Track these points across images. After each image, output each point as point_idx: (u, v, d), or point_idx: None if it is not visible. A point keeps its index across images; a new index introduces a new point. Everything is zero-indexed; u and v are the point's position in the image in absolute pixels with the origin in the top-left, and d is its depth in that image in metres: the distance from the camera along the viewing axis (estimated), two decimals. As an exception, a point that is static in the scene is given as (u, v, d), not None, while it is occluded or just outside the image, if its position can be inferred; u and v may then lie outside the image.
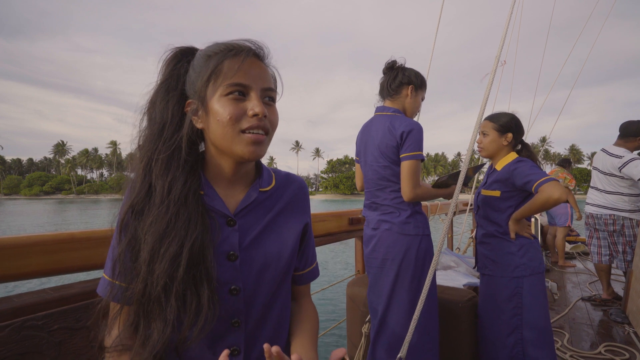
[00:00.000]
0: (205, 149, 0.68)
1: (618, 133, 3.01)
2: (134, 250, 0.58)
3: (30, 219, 28.16)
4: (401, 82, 1.62)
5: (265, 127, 0.62)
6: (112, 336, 0.60)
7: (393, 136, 1.52)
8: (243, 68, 0.60)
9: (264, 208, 0.70)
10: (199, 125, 0.63)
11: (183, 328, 0.57)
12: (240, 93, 0.60)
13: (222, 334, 0.63)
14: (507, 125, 1.73)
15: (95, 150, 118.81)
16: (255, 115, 0.59)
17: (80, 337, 0.78)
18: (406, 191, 1.51)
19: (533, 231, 1.82)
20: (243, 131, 0.60)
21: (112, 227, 0.62)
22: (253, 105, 0.60)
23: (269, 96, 0.64)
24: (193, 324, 0.57)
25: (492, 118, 1.78)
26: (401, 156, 1.52)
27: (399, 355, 1.18)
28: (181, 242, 0.57)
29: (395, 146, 1.52)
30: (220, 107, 0.59)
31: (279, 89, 0.70)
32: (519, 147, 1.82)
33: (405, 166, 1.50)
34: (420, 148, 1.51)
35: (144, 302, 0.56)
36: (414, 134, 1.50)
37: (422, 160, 1.53)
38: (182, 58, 0.66)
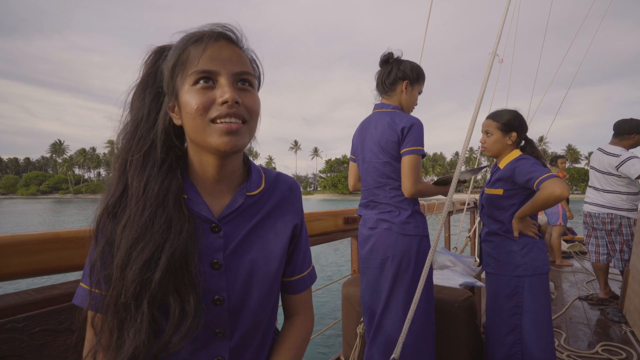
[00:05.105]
0: (188, 148, 0.64)
1: (612, 132, 3.01)
2: (109, 255, 0.55)
3: (35, 217, 28.00)
4: (396, 77, 1.58)
5: (240, 114, 0.56)
6: (89, 342, 0.58)
7: (394, 131, 1.49)
8: (208, 53, 0.55)
9: (251, 213, 0.66)
10: (178, 122, 0.60)
11: (164, 335, 0.54)
12: (207, 80, 0.55)
13: (205, 343, 0.61)
14: (511, 124, 1.70)
15: (93, 149, 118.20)
16: (224, 102, 0.54)
17: (63, 339, 0.75)
18: (407, 186, 1.47)
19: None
20: (213, 121, 0.55)
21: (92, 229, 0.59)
22: (222, 92, 0.55)
23: (244, 80, 0.58)
24: (175, 331, 0.54)
25: (495, 117, 1.74)
26: (402, 151, 1.49)
27: (392, 356, 1.16)
28: (157, 247, 0.54)
29: (396, 141, 1.50)
30: (189, 97, 0.55)
31: (261, 76, 0.65)
32: (523, 143, 1.79)
33: (406, 161, 1.47)
34: (421, 143, 1.48)
35: (117, 309, 0.53)
36: (415, 129, 1.47)
37: (423, 155, 1.50)
38: (159, 56, 0.63)
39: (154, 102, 0.61)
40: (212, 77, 0.56)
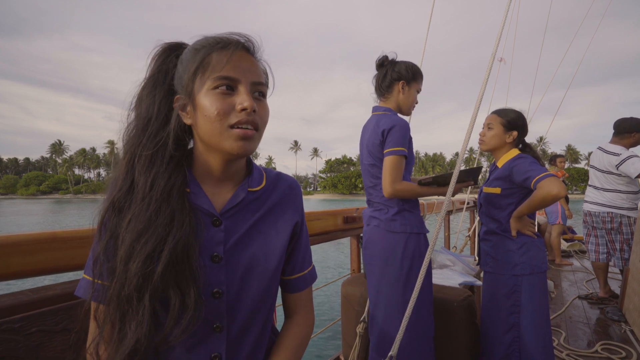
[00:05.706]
0: (193, 145, 0.66)
1: (612, 131, 3.01)
2: (113, 248, 0.56)
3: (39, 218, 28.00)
4: (391, 79, 1.60)
5: (255, 122, 0.59)
6: (92, 335, 0.58)
7: (377, 134, 1.52)
8: (231, 61, 0.58)
9: (252, 208, 0.67)
10: (188, 121, 0.61)
11: (164, 329, 0.55)
12: (228, 87, 0.58)
13: (202, 338, 0.61)
14: (515, 123, 1.70)
15: (93, 149, 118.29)
16: (244, 109, 0.57)
17: (60, 340, 0.75)
18: (385, 186, 1.47)
19: None
20: (232, 126, 0.58)
21: (95, 227, 0.60)
22: (242, 99, 0.58)
23: (258, 91, 0.61)
24: (175, 325, 0.55)
25: (500, 112, 1.74)
26: (384, 152, 1.51)
27: (389, 354, 1.16)
28: (160, 240, 0.55)
29: (379, 144, 1.52)
30: (207, 101, 0.57)
31: (270, 84, 0.67)
32: (520, 146, 1.79)
33: (386, 162, 1.48)
34: (402, 144, 1.47)
35: (120, 302, 0.54)
36: (396, 130, 1.48)
37: (405, 155, 1.48)
38: (170, 53, 0.65)
39: (164, 100, 0.62)
40: (232, 84, 0.58)
